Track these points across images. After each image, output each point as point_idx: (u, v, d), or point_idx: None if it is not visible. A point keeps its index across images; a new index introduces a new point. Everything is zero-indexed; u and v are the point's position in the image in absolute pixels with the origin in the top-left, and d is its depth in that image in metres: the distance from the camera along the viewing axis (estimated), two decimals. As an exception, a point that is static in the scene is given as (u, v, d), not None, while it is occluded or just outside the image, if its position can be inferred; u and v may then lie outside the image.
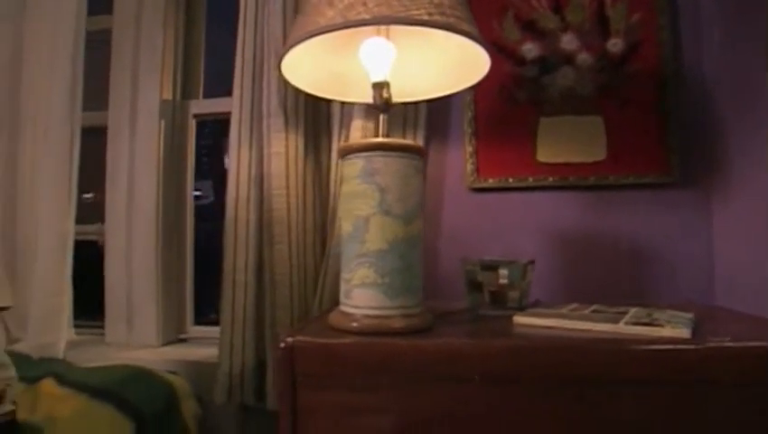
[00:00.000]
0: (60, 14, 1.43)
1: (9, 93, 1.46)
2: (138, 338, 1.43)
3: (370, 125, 1.07)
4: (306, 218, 1.12)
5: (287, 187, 1.07)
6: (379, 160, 0.75)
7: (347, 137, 1.10)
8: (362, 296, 0.75)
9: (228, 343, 1.11)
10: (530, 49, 1.16)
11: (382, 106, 0.81)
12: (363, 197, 0.75)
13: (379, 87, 0.81)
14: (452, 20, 0.72)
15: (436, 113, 1.17)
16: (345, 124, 1.11)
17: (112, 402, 1.04)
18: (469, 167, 1.18)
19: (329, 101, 1.13)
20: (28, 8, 1.45)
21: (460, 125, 1.20)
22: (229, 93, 1.29)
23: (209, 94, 1.58)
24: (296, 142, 1.10)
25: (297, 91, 1.10)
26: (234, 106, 1.16)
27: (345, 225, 0.78)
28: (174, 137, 1.49)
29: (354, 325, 0.74)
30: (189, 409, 1.20)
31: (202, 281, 1.59)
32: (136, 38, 1.47)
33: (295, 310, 1.08)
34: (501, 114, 1.18)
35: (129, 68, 1.46)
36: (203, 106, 1.53)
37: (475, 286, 0.94)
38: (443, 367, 0.69)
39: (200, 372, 1.28)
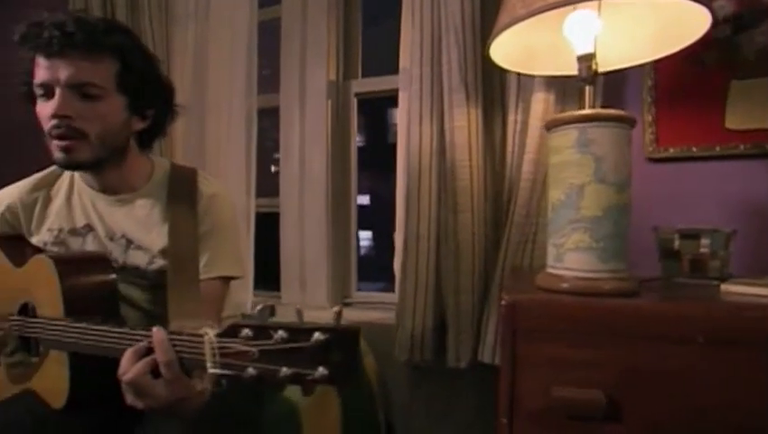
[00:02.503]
0: (236, 9, 1.59)
1: (197, 82, 1.65)
2: (310, 300, 1.58)
3: (552, 97, 1.08)
4: (482, 188, 1.16)
5: (470, 159, 1.13)
6: (594, 130, 0.77)
7: (526, 110, 1.12)
8: (576, 259, 0.78)
9: (410, 306, 1.20)
10: (723, 6, 1.09)
11: (589, 78, 0.83)
12: (578, 166, 0.78)
13: (586, 59, 0.83)
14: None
15: (612, 82, 1.14)
16: (523, 97, 1.12)
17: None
18: (648, 137, 1.15)
19: (503, 75, 1.15)
20: (211, 7, 1.62)
21: (637, 93, 1.17)
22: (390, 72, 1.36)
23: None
24: (477, 116, 1.14)
25: (475, 66, 1.14)
26: (411, 83, 1.22)
27: (555, 193, 0.82)
28: (339, 115, 1.61)
29: (565, 285, 0.79)
30: (369, 364, 1.32)
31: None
32: (303, 24, 1.59)
33: (476, 276, 1.14)
34: (684, 80, 1.12)
35: (298, 52, 1.59)
36: (363, 85, 1.62)
37: (671, 254, 0.94)
38: (663, 327, 0.71)
39: (369, 333, 1.40)
